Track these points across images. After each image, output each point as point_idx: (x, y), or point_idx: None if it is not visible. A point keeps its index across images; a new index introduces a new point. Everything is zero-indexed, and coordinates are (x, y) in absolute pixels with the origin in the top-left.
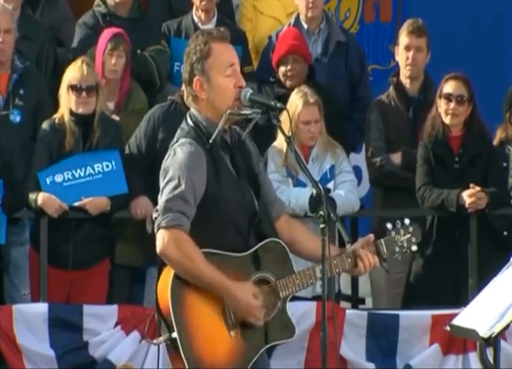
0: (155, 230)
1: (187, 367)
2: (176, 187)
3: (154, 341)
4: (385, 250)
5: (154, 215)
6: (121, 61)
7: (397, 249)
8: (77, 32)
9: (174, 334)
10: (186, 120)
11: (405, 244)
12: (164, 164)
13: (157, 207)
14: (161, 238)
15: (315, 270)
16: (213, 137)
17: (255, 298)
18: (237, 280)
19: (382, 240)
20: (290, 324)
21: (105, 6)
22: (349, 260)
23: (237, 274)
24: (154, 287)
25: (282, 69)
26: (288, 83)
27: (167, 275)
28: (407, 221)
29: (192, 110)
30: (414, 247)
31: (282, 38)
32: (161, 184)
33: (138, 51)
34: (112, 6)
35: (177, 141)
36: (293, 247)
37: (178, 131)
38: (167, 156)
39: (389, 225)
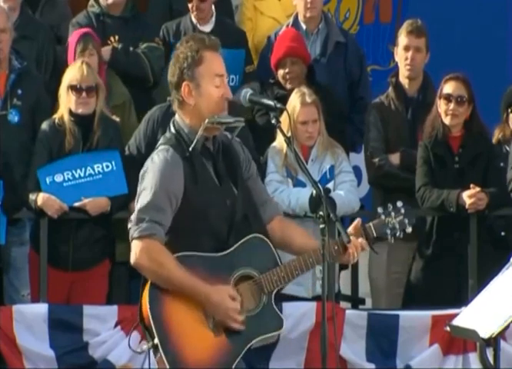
0: (130, 240)
1: None
2: (149, 196)
3: (138, 350)
4: (374, 233)
5: (129, 226)
6: (93, 60)
7: (388, 231)
8: (70, 32)
9: (156, 341)
10: (169, 127)
11: (397, 226)
12: (141, 171)
13: (131, 217)
14: (134, 249)
15: (301, 261)
16: (192, 145)
17: (233, 300)
18: (218, 280)
19: (371, 223)
20: (277, 317)
21: (99, 6)
22: (336, 247)
23: (217, 274)
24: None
25: (281, 72)
26: (288, 85)
27: (147, 285)
28: (399, 204)
29: (176, 116)
30: (409, 229)
31: (280, 39)
32: (138, 191)
33: (131, 49)
34: (105, 6)
35: (157, 148)
36: (286, 247)
37: (161, 139)
38: (146, 162)
39: (379, 209)
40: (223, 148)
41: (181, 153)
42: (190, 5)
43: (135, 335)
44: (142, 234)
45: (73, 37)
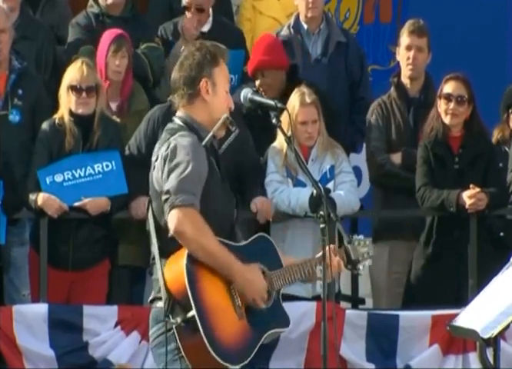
0: (167, 210)
1: (207, 343)
2: (186, 170)
3: (172, 321)
4: (352, 256)
5: (164, 197)
6: (124, 62)
7: (360, 257)
8: (70, 32)
9: (191, 313)
10: (173, 121)
11: (365, 256)
12: (164, 153)
13: (167, 187)
14: (176, 217)
15: (303, 266)
16: (206, 139)
17: (264, 279)
18: None
19: (349, 246)
20: (285, 314)
21: (98, 6)
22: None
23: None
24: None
25: (256, 82)
26: (266, 95)
27: (178, 258)
28: (361, 236)
29: (181, 113)
30: (369, 262)
31: (253, 51)
32: (165, 170)
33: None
34: (105, 7)
35: (172, 135)
36: None
37: (169, 129)
38: (165, 147)
39: (346, 239)
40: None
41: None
42: (188, 14)
43: (135, 335)
44: (185, 203)
45: (106, 36)
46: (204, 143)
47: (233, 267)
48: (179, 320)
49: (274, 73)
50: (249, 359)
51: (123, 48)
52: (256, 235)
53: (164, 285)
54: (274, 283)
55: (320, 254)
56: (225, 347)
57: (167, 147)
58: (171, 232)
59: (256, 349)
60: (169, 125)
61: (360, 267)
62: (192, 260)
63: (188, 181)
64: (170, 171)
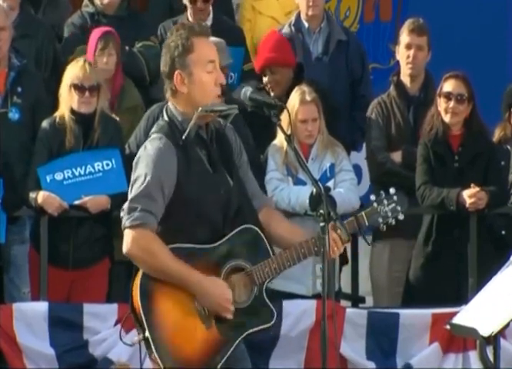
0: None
1: (161, 366)
2: (142, 185)
3: (129, 342)
4: (366, 222)
5: (121, 215)
6: (112, 59)
7: (380, 220)
8: (65, 32)
9: (146, 334)
10: (162, 115)
11: (389, 214)
12: (134, 159)
13: (123, 206)
14: (126, 238)
15: (293, 251)
16: (185, 134)
17: (226, 289)
18: (210, 272)
19: (363, 212)
20: (268, 310)
21: (93, 6)
22: (315, 248)
23: (209, 265)
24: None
25: (264, 79)
26: (272, 93)
27: (138, 276)
28: (392, 191)
29: (169, 104)
30: (401, 216)
31: (260, 48)
32: (131, 180)
33: (127, 48)
34: (100, 6)
35: (150, 136)
36: (272, 241)
37: (154, 127)
38: (139, 151)
39: (372, 197)
40: (216, 136)
41: (174, 141)
42: (190, 7)
43: (135, 333)
44: (134, 224)
45: (94, 34)
46: (183, 137)
47: (189, 281)
48: (138, 338)
49: (282, 70)
50: (220, 363)
51: (110, 45)
52: (241, 227)
53: (130, 299)
54: (256, 278)
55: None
56: (185, 365)
57: (138, 153)
58: (124, 253)
59: (229, 352)
60: (157, 122)
61: (383, 227)
62: (148, 279)
63: (142, 198)
64: (131, 185)
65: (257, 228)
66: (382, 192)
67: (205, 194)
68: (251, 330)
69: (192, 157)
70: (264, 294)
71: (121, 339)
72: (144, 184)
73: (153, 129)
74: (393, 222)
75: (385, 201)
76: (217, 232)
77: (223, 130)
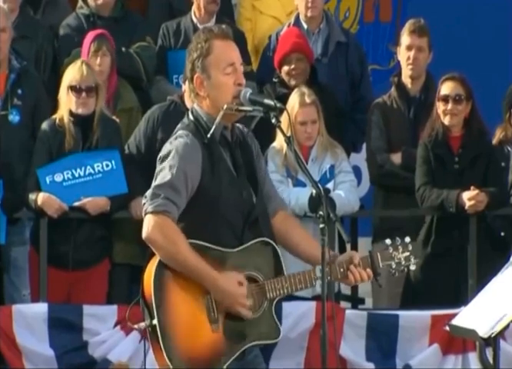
0: (142, 215)
1: (165, 355)
2: (167, 176)
3: (135, 326)
4: (380, 264)
5: (143, 201)
6: (106, 61)
7: (393, 265)
8: (61, 34)
9: (154, 321)
10: (187, 114)
11: (403, 262)
12: (160, 154)
13: (146, 193)
14: (147, 223)
15: (306, 275)
16: (210, 132)
17: (240, 286)
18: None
19: (378, 253)
20: (275, 327)
21: (88, 7)
22: (341, 270)
23: (223, 269)
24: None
25: (285, 68)
26: (292, 82)
27: (153, 262)
28: (407, 239)
29: (195, 105)
30: (413, 267)
31: (284, 36)
32: (156, 171)
33: (123, 49)
34: (94, 7)
35: (174, 135)
36: (287, 247)
37: (179, 125)
38: (164, 146)
39: (388, 241)
40: (239, 141)
41: (200, 139)
42: (199, 4)
43: (135, 334)
44: (157, 209)
45: (88, 37)
46: (208, 135)
47: (205, 276)
48: (145, 324)
49: (305, 60)
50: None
51: (103, 47)
52: (258, 239)
53: (141, 285)
54: (268, 292)
55: (341, 256)
56: (187, 361)
57: (163, 149)
58: (143, 238)
59: (232, 359)
60: (182, 121)
61: (395, 273)
62: (163, 267)
63: (166, 187)
64: (155, 176)
65: (274, 244)
66: (398, 238)
67: (228, 195)
68: (254, 343)
69: (217, 157)
70: (273, 311)
71: (128, 321)
72: (169, 175)
73: (178, 126)
74: (405, 270)
75: (400, 248)
76: (237, 236)
77: (244, 136)
